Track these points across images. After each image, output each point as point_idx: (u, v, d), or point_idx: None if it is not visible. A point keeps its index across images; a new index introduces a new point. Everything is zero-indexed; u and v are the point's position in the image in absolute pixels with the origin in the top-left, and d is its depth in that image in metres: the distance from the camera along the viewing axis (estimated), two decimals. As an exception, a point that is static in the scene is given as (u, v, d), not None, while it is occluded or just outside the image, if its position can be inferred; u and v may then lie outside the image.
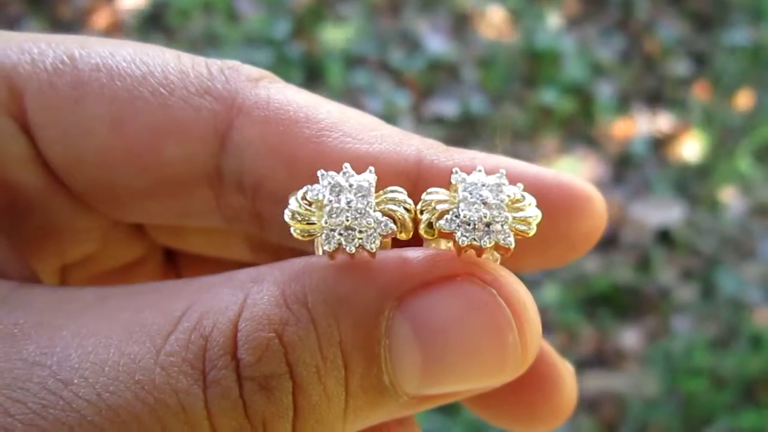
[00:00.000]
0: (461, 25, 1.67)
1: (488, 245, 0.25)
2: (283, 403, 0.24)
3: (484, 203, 0.25)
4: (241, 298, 0.25)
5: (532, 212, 0.26)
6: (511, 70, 1.60)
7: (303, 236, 0.25)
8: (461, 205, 0.25)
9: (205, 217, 0.31)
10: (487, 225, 0.25)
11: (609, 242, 1.42)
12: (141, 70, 0.28)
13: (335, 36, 1.59)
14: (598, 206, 0.28)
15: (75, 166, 0.28)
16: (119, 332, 0.24)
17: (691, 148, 1.53)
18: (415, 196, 0.27)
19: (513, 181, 0.27)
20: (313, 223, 0.25)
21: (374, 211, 0.25)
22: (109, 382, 0.23)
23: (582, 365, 1.27)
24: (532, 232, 0.26)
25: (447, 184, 0.27)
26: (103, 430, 0.22)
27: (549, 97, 1.56)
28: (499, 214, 0.25)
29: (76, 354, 0.23)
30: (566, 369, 0.32)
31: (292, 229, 0.25)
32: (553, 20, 1.69)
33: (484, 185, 0.25)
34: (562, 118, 1.55)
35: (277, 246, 0.27)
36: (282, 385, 0.24)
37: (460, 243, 0.25)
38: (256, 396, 0.24)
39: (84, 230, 0.32)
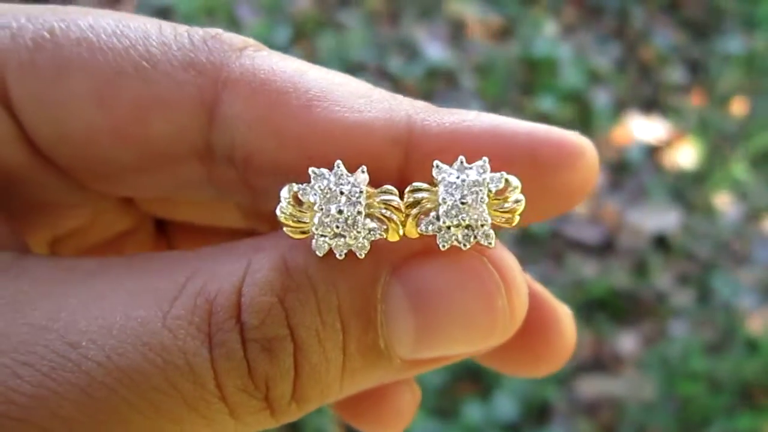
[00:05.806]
0: (459, 32, 1.69)
1: (468, 247, 0.25)
2: (284, 364, 0.25)
3: (463, 204, 0.25)
4: (244, 265, 0.25)
5: (516, 199, 0.25)
6: (509, 78, 1.62)
7: (295, 234, 0.25)
8: (440, 209, 0.25)
9: (197, 190, 0.30)
10: (467, 227, 0.25)
11: (606, 248, 1.43)
12: (122, 44, 0.27)
13: (338, 43, 1.60)
14: (590, 158, 0.28)
15: (60, 143, 0.28)
16: (125, 298, 0.24)
17: (687, 154, 1.55)
18: (407, 164, 0.27)
19: (506, 141, 0.27)
20: (305, 222, 0.25)
21: (364, 218, 0.25)
22: (117, 345, 0.23)
23: (580, 370, 1.27)
24: (515, 223, 0.26)
25: (437, 150, 0.27)
26: (114, 390, 0.23)
27: (546, 104, 1.58)
28: (479, 216, 0.25)
29: (83, 318, 0.23)
30: (564, 311, 0.32)
31: (284, 228, 0.25)
32: (550, 28, 1.71)
33: (464, 183, 0.25)
34: (560, 125, 1.56)
35: (270, 214, 0.27)
36: (284, 346, 0.25)
37: (440, 247, 0.25)
38: (260, 357, 0.24)
39: (73, 205, 0.32)
